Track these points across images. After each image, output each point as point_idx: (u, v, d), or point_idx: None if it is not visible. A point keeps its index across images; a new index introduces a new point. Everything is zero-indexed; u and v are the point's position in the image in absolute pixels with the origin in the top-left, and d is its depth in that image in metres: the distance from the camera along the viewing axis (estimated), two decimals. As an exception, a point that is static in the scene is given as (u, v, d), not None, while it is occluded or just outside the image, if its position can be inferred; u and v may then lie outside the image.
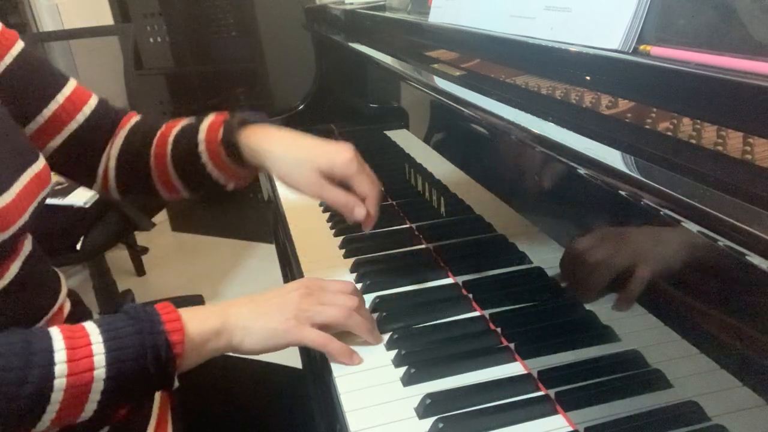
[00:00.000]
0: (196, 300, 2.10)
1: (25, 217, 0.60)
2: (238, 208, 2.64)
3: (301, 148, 0.70)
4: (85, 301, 0.76)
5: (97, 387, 0.52)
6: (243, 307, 0.61)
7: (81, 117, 0.76)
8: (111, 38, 2.06)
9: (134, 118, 0.83)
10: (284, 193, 1.11)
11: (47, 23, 2.63)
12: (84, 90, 0.78)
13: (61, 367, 0.50)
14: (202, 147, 0.75)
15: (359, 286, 0.74)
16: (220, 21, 2.31)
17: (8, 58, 0.69)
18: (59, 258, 1.61)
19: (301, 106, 1.50)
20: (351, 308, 0.62)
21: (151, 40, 2.46)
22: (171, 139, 0.78)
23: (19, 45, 0.71)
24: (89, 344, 0.53)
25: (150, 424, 0.66)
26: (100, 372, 0.52)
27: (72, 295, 0.72)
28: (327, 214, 0.99)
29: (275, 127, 0.74)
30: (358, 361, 0.61)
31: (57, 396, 0.50)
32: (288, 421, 0.79)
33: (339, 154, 0.68)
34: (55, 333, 0.52)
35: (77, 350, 0.52)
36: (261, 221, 2.53)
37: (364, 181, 0.68)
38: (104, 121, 0.79)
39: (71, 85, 0.76)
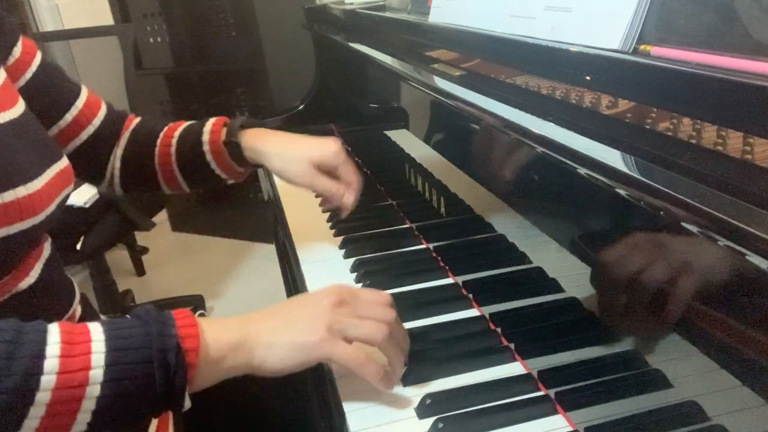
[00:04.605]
0: (196, 300, 2.10)
1: (52, 207, 0.61)
2: (238, 208, 2.64)
3: (294, 145, 0.79)
4: (86, 302, 0.77)
5: (92, 392, 0.46)
6: (266, 321, 0.55)
7: (97, 121, 0.82)
8: (111, 38, 2.05)
9: (135, 121, 0.89)
10: (284, 193, 1.11)
11: (47, 23, 2.64)
12: (94, 96, 0.84)
13: (51, 362, 0.45)
14: (206, 147, 0.82)
15: (359, 286, 0.74)
16: (220, 21, 2.31)
17: (33, 67, 0.74)
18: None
19: (301, 106, 1.50)
20: (389, 322, 0.56)
21: (151, 40, 2.46)
22: (175, 140, 0.84)
23: (39, 55, 0.76)
24: (88, 341, 0.47)
25: (151, 424, 0.66)
26: (96, 373, 0.46)
27: (82, 299, 0.73)
28: (327, 214, 0.99)
29: (270, 130, 0.82)
30: (392, 386, 0.56)
31: (43, 397, 0.44)
32: (288, 421, 0.79)
33: (328, 147, 0.77)
34: (53, 326, 0.48)
35: (74, 346, 0.46)
36: (261, 221, 2.53)
37: (350, 170, 0.77)
38: (113, 125, 0.85)
39: (85, 91, 0.82)
